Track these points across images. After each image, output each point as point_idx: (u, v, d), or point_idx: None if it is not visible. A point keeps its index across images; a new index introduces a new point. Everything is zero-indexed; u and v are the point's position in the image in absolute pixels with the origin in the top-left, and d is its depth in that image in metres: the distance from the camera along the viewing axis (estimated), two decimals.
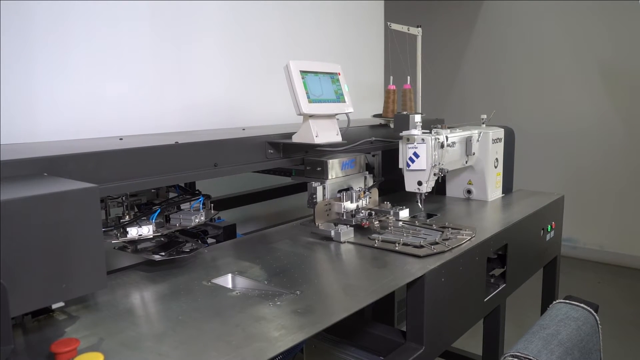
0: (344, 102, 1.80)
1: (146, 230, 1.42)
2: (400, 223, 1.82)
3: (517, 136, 2.41)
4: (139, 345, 0.98)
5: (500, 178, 2.28)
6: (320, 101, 1.71)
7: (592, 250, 4.78)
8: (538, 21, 4.90)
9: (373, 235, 1.66)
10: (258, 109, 2.49)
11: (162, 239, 1.53)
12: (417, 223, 1.82)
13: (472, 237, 1.64)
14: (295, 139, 1.75)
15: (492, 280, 1.81)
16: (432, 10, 5.45)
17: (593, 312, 1.37)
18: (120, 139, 1.71)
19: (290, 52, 2.64)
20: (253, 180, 2.37)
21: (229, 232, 1.80)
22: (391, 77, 2.31)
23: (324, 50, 2.87)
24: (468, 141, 2.05)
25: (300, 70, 1.67)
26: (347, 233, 1.68)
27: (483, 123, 2.28)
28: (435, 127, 1.95)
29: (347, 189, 1.91)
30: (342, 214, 1.82)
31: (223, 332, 1.03)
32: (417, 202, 1.86)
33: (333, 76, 1.80)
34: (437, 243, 1.56)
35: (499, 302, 1.80)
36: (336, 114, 1.80)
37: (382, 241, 1.60)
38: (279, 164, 1.81)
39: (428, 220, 1.92)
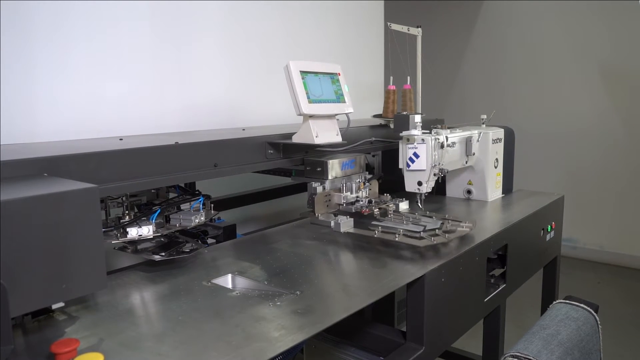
0: (344, 102, 1.80)
1: (146, 231, 1.42)
2: (401, 209, 1.84)
3: (517, 136, 2.41)
4: (139, 346, 0.98)
5: (500, 178, 2.28)
6: (320, 101, 1.71)
7: (592, 251, 4.78)
8: (538, 21, 4.90)
9: (373, 223, 1.67)
10: (258, 109, 2.49)
11: (162, 239, 1.53)
12: (417, 213, 1.83)
13: (471, 230, 1.64)
14: (295, 139, 1.76)
15: (492, 280, 1.81)
16: (432, 10, 5.45)
17: (593, 312, 1.37)
18: (120, 139, 1.71)
19: (290, 52, 2.64)
20: (253, 181, 2.37)
21: (229, 233, 1.80)
22: (391, 78, 2.31)
23: (324, 51, 2.87)
24: (468, 141, 2.05)
25: (300, 71, 1.67)
26: (346, 223, 1.70)
27: (483, 123, 2.28)
28: (435, 128, 1.95)
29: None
30: (342, 204, 1.84)
31: (223, 332, 1.03)
32: (417, 202, 1.86)
33: (333, 76, 1.80)
34: (437, 234, 1.56)
35: (499, 303, 1.80)
36: (336, 114, 1.80)
37: (382, 231, 1.60)
38: (279, 164, 1.81)
39: (428, 212, 1.93)
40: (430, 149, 1.78)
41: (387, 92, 2.27)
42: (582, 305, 1.38)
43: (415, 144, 1.79)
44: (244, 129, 2.16)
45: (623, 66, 4.51)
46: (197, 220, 1.54)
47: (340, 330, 1.51)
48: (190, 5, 2.16)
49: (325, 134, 1.75)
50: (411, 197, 1.92)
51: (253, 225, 2.45)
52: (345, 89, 1.82)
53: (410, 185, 1.84)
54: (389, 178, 2.25)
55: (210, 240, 1.77)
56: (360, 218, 1.78)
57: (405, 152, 1.83)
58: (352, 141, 1.98)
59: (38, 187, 0.98)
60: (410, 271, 1.37)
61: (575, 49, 4.73)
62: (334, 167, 1.86)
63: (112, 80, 1.91)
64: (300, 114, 1.68)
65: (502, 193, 2.31)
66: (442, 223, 1.69)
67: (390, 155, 2.14)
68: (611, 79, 4.59)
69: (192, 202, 1.60)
